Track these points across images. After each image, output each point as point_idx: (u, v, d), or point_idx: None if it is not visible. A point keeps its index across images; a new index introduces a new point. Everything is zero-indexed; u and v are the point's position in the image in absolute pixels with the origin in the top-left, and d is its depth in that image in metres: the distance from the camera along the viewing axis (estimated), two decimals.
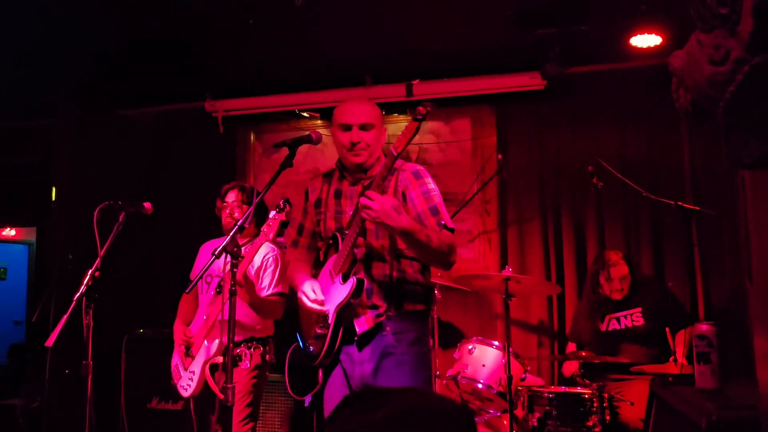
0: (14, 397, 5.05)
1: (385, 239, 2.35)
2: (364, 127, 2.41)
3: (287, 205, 2.80)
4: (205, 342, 3.05)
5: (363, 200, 2.13)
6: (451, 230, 2.34)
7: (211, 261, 2.22)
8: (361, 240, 2.33)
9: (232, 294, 2.17)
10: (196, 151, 5.32)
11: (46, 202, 5.32)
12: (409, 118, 2.17)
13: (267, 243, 3.20)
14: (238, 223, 2.19)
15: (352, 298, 2.23)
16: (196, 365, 3.07)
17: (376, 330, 2.31)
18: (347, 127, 2.41)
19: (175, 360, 3.23)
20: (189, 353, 3.15)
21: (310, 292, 2.33)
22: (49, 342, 2.61)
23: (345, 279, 2.27)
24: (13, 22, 3.91)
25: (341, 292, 2.25)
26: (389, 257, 2.34)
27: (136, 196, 3.25)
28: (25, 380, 5.00)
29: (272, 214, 2.81)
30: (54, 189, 5.26)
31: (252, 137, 5.38)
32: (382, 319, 2.31)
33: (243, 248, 3.15)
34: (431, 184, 2.42)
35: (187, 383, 3.10)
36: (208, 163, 5.23)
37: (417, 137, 5.43)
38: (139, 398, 4.15)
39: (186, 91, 5.09)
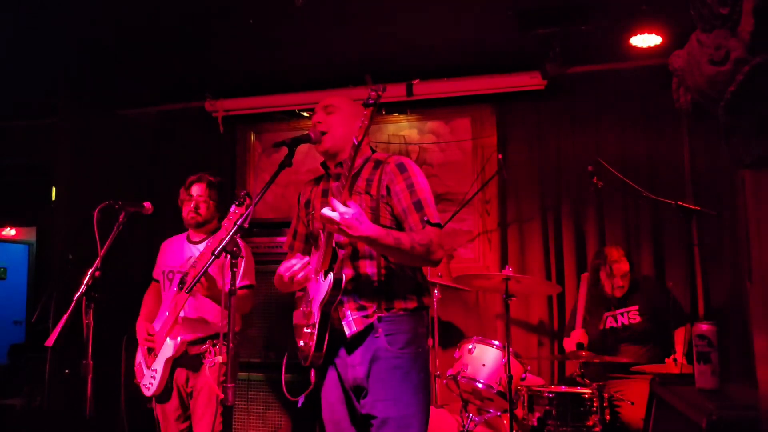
0: (14, 397, 5.06)
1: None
2: (325, 108, 2.41)
3: (247, 198, 2.77)
4: (168, 340, 3.00)
5: (323, 213, 2.09)
6: (437, 225, 2.25)
7: (211, 261, 2.21)
8: (345, 238, 2.25)
9: (232, 293, 2.17)
10: (196, 151, 5.32)
11: (46, 202, 5.33)
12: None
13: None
14: (237, 223, 2.18)
15: (331, 295, 2.20)
16: (159, 363, 3.02)
17: (367, 332, 2.26)
18: (315, 113, 2.44)
19: (139, 358, 3.18)
20: (152, 351, 3.09)
21: (286, 266, 2.28)
22: (49, 342, 2.60)
23: (326, 276, 2.24)
24: (13, 22, 3.91)
25: (322, 289, 2.23)
26: (375, 253, 2.28)
27: (136, 196, 3.25)
28: (25, 380, 5.01)
29: (232, 208, 2.79)
30: (54, 189, 5.26)
31: (252, 137, 5.39)
32: (372, 320, 2.25)
33: (205, 243, 3.13)
34: (417, 177, 2.31)
35: (150, 382, 3.05)
36: (208, 163, 5.21)
37: (417, 137, 5.44)
38: (139, 398, 4.15)
39: (186, 91, 5.09)
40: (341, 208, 2.08)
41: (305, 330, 2.32)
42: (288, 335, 2.61)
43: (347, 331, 2.26)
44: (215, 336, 3.05)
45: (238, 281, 2.99)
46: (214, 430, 2.96)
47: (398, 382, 2.22)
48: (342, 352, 2.30)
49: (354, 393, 2.30)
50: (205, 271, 2.31)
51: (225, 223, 2.71)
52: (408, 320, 2.29)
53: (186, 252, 3.22)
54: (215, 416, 2.97)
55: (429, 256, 2.22)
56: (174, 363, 3.04)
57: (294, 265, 2.27)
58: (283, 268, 2.30)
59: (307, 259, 2.30)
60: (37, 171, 5.56)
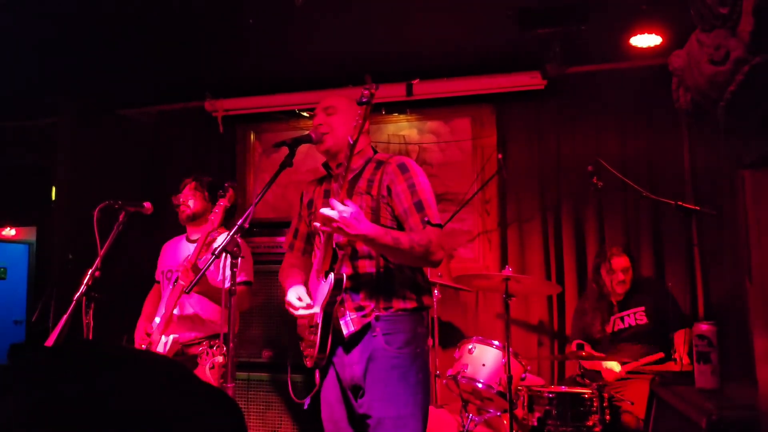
0: None
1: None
2: (326, 110, 2.42)
3: (230, 189, 2.76)
4: (163, 338, 2.98)
5: (321, 212, 2.10)
6: (438, 226, 2.25)
7: (211, 261, 2.21)
8: (344, 239, 2.26)
9: (232, 293, 2.17)
10: (196, 151, 5.32)
11: (46, 202, 5.32)
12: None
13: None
14: (238, 223, 2.18)
15: (332, 295, 2.21)
16: None
17: (364, 331, 2.26)
18: (315, 115, 2.45)
19: None
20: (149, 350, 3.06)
21: (295, 301, 2.31)
22: (49, 342, 2.60)
23: (326, 276, 2.25)
24: (13, 22, 3.91)
25: (323, 290, 2.24)
26: (374, 253, 2.28)
27: (135, 196, 3.25)
28: None
29: (218, 201, 2.78)
30: (54, 189, 5.26)
31: (252, 137, 5.38)
32: (369, 319, 2.25)
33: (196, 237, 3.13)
34: (418, 177, 2.32)
35: None
36: (208, 163, 5.22)
37: (417, 137, 5.43)
38: None
39: (186, 91, 5.09)
40: (339, 206, 2.08)
41: (308, 331, 2.33)
42: (288, 335, 2.61)
43: (345, 331, 2.26)
44: (213, 336, 3.03)
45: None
46: None
47: (395, 382, 2.22)
48: (340, 351, 2.31)
49: (352, 392, 2.30)
50: (205, 271, 2.31)
51: (211, 216, 2.72)
52: (407, 320, 2.29)
53: (184, 251, 3.22)
54: None
55: (428, 256, 2.22)
56: None
57: (298, 308, 2.30)
58: (290, 304, 2.33)
59: (310, 302, 2.31)
60: (37, 171, 5.56)
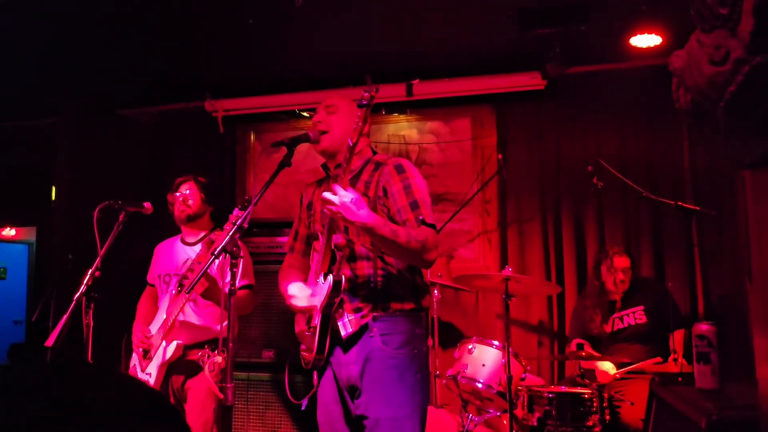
0: None
1: (366, 236, 2.26)
2: (327, 108, 2.42)
3: (250, 205, 2.76)
4: (164, 343, 2.96)
5: (324, 195, 2.09)
6: (431, 226, 2.24)
7: (210, 261, 2.20)
8: (343, 240, 2.27)
9: (232, 293, 2.16)
10: (196, 151, 5.32)
11: (46, 202, 5.33)
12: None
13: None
14: (237, 224, 2.17)
15: (330, 298, 2.20)
16: (153, 367, 2.98)
17: (362, 331, 2.25)
18: (316, 112, 2.46)
19: (133, 361, 3.13)
20: (147, 354, 3.04)
21: (296, 292, 2.32)
22: (49, 342, 2.60)
23: (325, 278, 2.24)
24: (13, 22, 3.91)
25: (322, 292, 2.23)
26: (372, 255, 2.28)
27: (135, 196, 3.24)
28: None
29: (235, 211, 2.78)
30: (54, 189, 5.27)
31: (252, 137, 5.39)
32: (367, 320, 2.25)
33: (200, 244, 3.11)
34: (415, 178, 2.31)
35: None
36: (208, 163, 5.22)
37: (417, 137, 5.43)
38: None
39: (186, 91, 5.09)
40: (341, 192, 2.08)
41: (307, 333, 2.33)
42: (288, 335, 2.61)
43: (343, 332, 2.26)
44: (213, 341, 3.01)
45: (237, 281, 3.00)
46: (212, 431, 2.95)
47: (392, 383, 2.21)
48: (338, 351, 2.30)
49: (348, 393, 2.29)
50: (205, 271, 2.31)
51: (226, 226, 2.69)
52: (404, 321, 2.28)
53: (180, 254, 3.20)
54: (214, 419, 2.96)
55: (423, 253, 2.20)
56: (170, 368, 3.00)
57: (300, 297, 2.31)
58: (291, 296, 2.35)
59: (309, 292, 2.32)
60: (37, 171, 5.56)
